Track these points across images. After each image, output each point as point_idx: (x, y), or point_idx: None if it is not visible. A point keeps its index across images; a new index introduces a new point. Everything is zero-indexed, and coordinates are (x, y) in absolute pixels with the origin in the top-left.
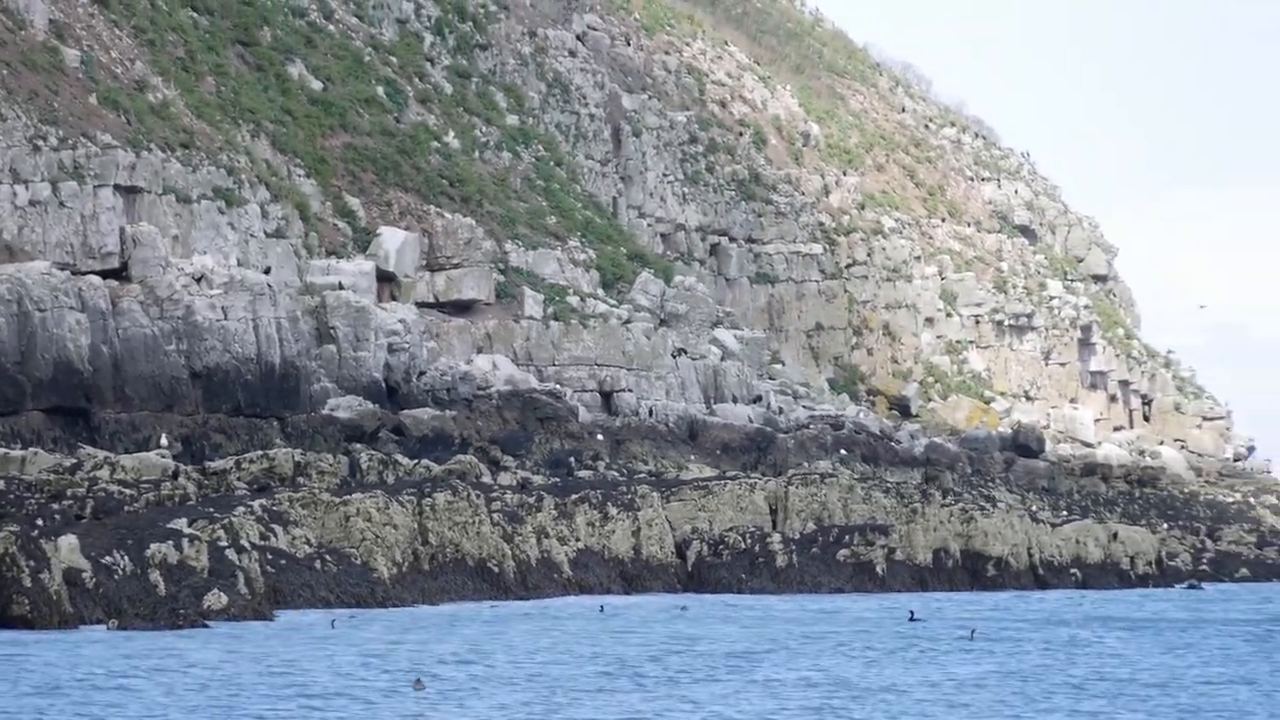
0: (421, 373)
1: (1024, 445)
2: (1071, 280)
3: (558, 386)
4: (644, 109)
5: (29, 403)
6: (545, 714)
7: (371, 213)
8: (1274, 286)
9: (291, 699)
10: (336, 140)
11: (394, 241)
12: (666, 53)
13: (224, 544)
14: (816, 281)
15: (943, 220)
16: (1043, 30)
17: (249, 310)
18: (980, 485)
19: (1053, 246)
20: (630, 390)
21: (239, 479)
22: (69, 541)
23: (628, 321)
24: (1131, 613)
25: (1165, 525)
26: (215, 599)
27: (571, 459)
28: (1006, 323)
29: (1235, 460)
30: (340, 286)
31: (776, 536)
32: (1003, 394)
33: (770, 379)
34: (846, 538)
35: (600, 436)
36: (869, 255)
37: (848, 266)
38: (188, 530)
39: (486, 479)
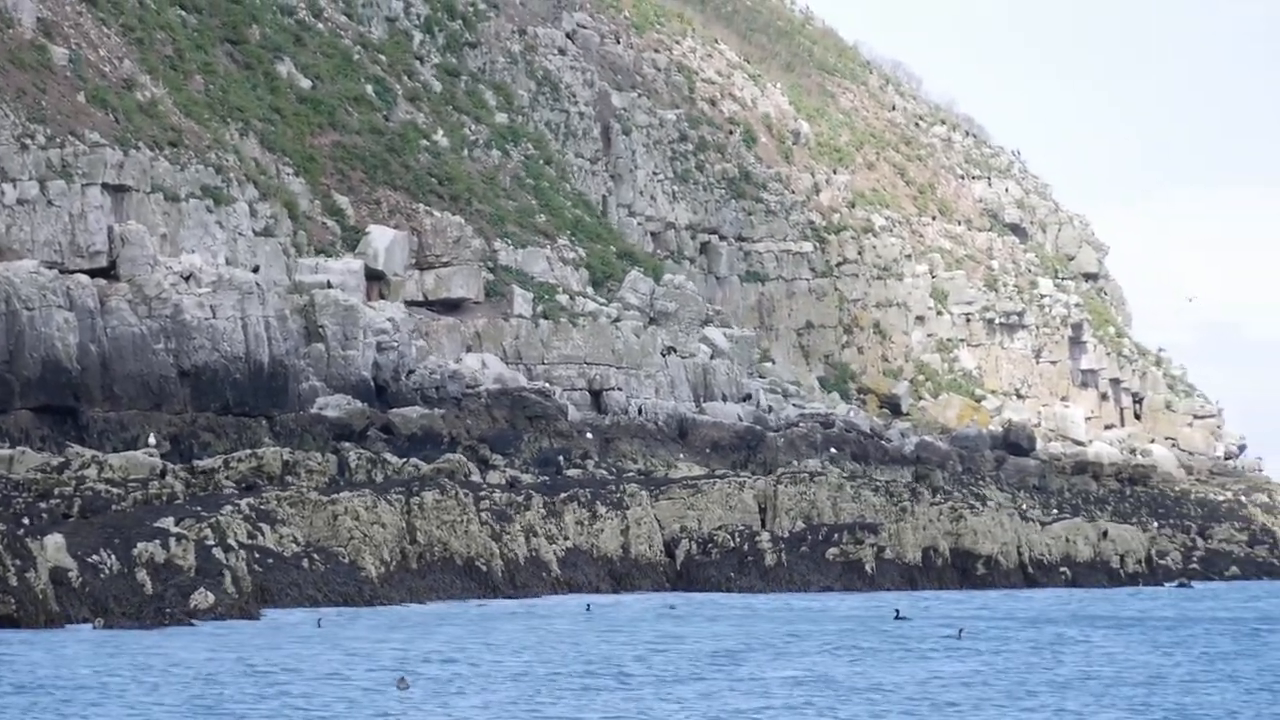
0: (410, 371)
1: (1015, 443)
2: (1062, 279)
3: (547, 385)
4: (634, 107)
5: (17, 401)
6: (529, 713)
7: (360, 211)
8: (1265, 286)
9: (274, 698)
10: (325, 139)
11: (383, 240)
12: (656, 51)
13: (211, 543)
14: (807, 280)
15: (933, 218)
16: (1033, 28)
17: (237, 309)
18: (971, 484)
19: (1044, 245)
20: (619, 389)
21: (227, 478)
22: (55, 540)
23: (617, 320)
24: (1119, 611)
25: (1156, 524)
26: (202, 598)
27: (560, 458)
28: (997, 321)
29: (1226, 459)
30: (329, 285)
31: (765, 535)
32: (993, 392)
33: (760, 377)
34: (836, 536)
35: (589, 435)
36: (859, 253)
37: (838, 265)
38: (175, 529)
39: (475, 478)
